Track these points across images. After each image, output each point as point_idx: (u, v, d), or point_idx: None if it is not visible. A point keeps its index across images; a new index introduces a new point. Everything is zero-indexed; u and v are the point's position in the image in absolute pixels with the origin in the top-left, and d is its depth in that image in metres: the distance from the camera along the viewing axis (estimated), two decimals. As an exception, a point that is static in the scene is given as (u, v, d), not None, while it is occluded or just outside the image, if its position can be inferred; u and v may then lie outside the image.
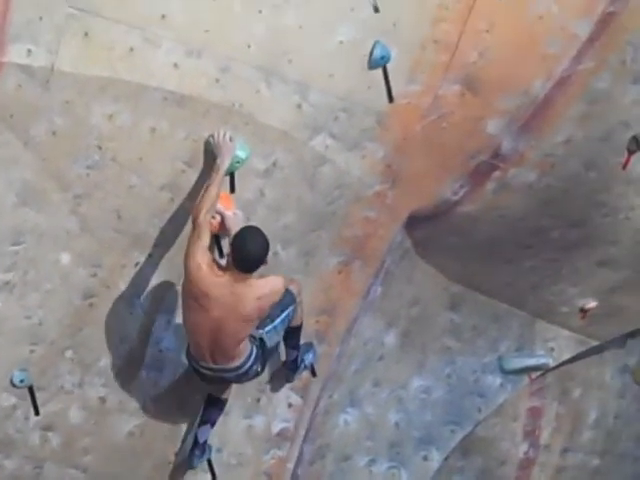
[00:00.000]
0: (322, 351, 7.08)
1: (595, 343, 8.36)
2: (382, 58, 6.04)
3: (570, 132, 6.62)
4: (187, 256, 5.78)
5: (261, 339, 6.20)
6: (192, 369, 6.27)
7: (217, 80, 5.76)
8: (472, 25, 6.09)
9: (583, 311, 8.07)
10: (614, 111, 6.59)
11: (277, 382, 7.10)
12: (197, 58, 5.66)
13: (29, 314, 6.05)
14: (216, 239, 6.25)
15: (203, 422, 6.62)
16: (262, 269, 5.88)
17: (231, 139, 5.84)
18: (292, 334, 6.62)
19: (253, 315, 5.87)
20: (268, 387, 7.08)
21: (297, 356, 6.83)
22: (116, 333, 6.39)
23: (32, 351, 6.16)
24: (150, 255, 6.17)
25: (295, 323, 6.54)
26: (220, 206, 5.98)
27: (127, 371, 6.54)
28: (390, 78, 6.12)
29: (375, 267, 7.04)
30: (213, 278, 5.77)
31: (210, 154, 5.88)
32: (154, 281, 6.30)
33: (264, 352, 6.23)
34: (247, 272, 5.76)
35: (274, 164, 6.18)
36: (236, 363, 6.10)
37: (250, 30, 5.71)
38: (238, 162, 6.00)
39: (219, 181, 5.79)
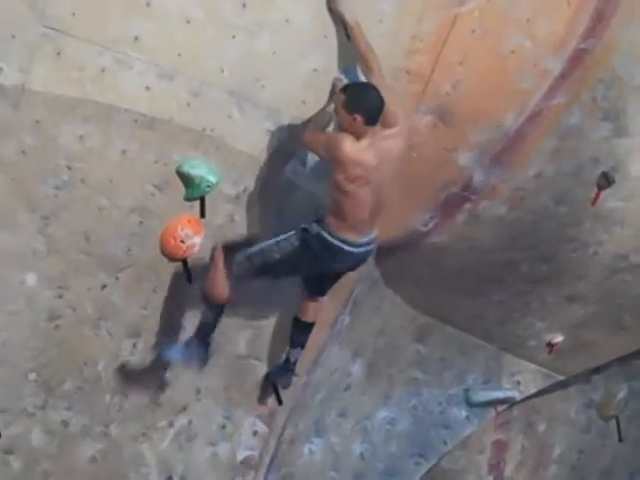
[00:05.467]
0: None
1: (561, 378, 8.38)
2: (355, 87, 6.05)
3: (541, 166, 6.64)
4: (335, 144, 5.69)
5: None
6: (333, 256, 6.04)
7: (188, 104, 5.74)
8: (445, 57, 6.10)
9: (550, 345, 8.09)
10: (584, 147, 6.62)
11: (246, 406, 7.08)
12: (169, 81, 5.65)
13: (-7, 335, 6.01)
14: (184, 263, 6.22)
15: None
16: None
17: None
18: (306, 330, 6.65)
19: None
20: (234, 414, 7.04)
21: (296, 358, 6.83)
22: (81, 356, 6.34)
23: (-6, 372, 6.11)
24: (117, 278, 6.13)
25: (312, 318, 6.61)
26: (189, 230, 6.00)
27: (91, 394, 6.48)
28: (362, 107, 6.12)
29: (343, 297, 7.03)
30: (357, 146, 5.70)
31: None
32: (121, 304, 6.26)
33: None
34: (375, 122, 5.70)
35: (244, 190, 6.17)
36: (375, 233, 6.08)
37: (223, 55, 5.70)
38: (209, 186, 5.99)
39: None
